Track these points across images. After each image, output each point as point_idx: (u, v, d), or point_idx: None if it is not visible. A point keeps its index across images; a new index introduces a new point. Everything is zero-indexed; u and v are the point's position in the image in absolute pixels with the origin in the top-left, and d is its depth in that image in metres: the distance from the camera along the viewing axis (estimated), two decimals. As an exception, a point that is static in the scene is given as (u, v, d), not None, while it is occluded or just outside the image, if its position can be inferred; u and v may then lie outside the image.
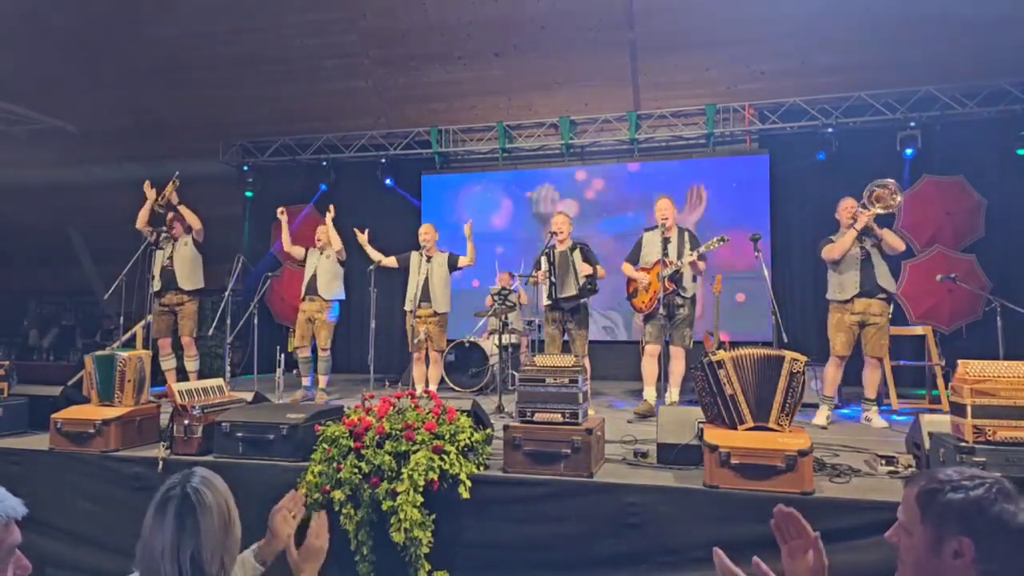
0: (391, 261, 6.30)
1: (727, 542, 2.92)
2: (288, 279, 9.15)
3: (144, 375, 4.27)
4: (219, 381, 4.32)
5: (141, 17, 7.72)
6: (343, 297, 6.42)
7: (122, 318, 6.39)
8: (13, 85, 8.58)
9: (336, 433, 3.46)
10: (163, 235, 6.35)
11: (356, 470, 3.30)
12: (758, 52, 7.42)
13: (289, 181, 9.65)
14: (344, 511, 3.28)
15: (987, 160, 7.49)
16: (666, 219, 5.44)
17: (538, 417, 3.40)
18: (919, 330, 6.35)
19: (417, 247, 6.23)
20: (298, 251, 6.48)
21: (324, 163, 9.33)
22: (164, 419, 4.19)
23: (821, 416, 4.96)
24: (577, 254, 5.55)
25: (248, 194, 9.71)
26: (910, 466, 3.38)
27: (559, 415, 3.37)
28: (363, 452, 3.34)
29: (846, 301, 4.98)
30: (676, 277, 5.32)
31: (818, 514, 2.89)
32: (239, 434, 3.72)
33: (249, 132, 9.44)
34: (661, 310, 5.21)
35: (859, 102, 7.59)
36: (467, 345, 7.10)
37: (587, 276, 5.48)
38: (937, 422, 3.30)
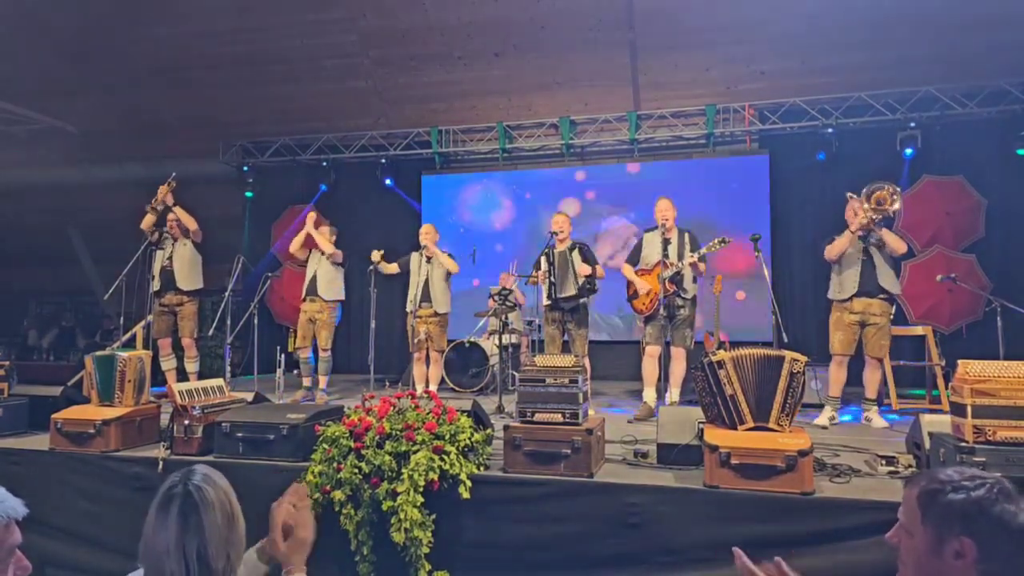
0: (393, 268, 6.29)
1: (727, 542, 2.92)
2: (288, 279, 9.16)
3: (144, 375, 4.27)
4: (219, 381, 4.32)
5: (141, 17, 7.73)
6: (343, 298, 6.43)
7: (122, 318, 6.39)
8: (13, 85, 8.58)
9: (336, 433, 3.46)
10: (163, 235, 6.36)
11: (356, 470, 3.30)
12: (758, 52, 7.42)
13: (289, 181, 9.65)
14: (344, 511, 3.28)
15: (987, 160, 7.49)
16: (666, 220, 5.44)
17: (538, 417, 3.40)
18: (919, 330, 6.35)
19: (416, 247, 6.23)
20: (302, 252, 6.49)
21: (324, 163, 9.33)
22: (164, 419, 4.19)
23: (824, 417, 4.95)
24: (576, 254, 5.55)
25: (248, 194, 9.71)
26: (910, 466, 3.38)
27: (559, 415, 3.37)
28: (363, 452, 3.34)
29: (845, 300, 4.99)
30: (677, 279, 5.32)
31: (818, 514, 2.90)
32: (239, 434, 3.72)
33: (249, 132, 9.44)
34: (662, 311, 5.21)
35: (859, 102, 7.58)
36: (467, 345, 7.10)
37: (586, 276, 5.48)
38: (937, 422, 3.30)
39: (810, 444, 3.03)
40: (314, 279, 6.27)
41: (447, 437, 3.36)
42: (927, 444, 3.23)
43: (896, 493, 2.91)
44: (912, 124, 7.49)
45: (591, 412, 3.84)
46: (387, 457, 3.29)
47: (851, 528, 2.83)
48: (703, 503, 3.03)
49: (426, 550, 3.15)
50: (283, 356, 6.22)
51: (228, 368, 6.50)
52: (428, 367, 6.16)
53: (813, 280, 7.28)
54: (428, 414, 3.49)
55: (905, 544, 1.44)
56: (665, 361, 5.37)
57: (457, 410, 3.57)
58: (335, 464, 3.36)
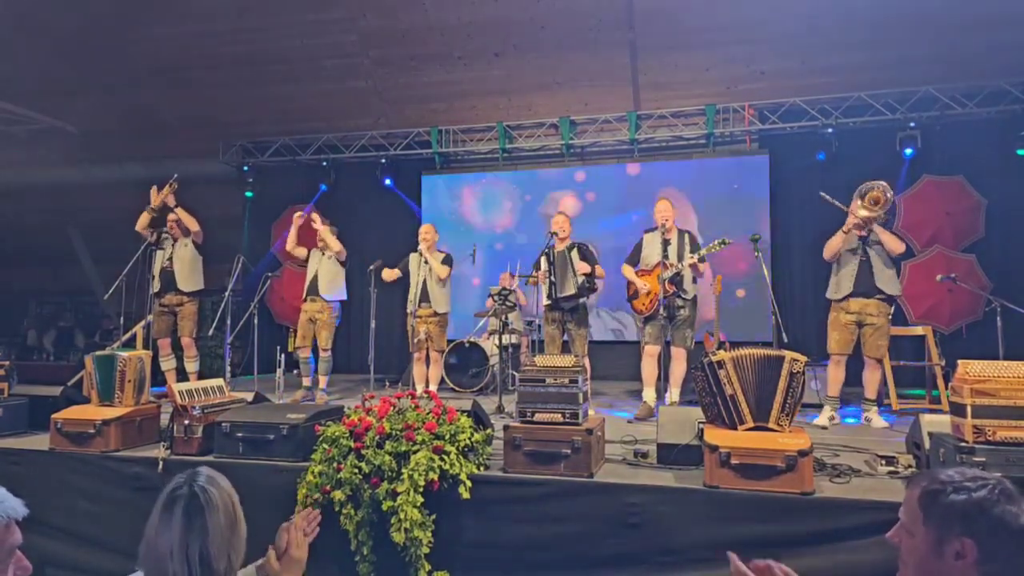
0: (395, 274, 6.27)
1: (727, 542, 2.93)
2: (288, 279, 9.16)
3: (144, 375, 4.28)
4: (219, 381, 4.32)
5: (141, 17, 7.73)
6: (344, 297, 6.43)
7: (122, 318, 6.39)
8: (13, 85, 8.58)
9: (336, 433, 3.46)
10: (163, 236, 6.35)
11: (356, 470, 3.30)
12: (758, 52, 7.42)
13: (289, 181, 9.65)
14: (344, 511, 3.28)
15: (987, 160, 7.49)
16: (666, 220, 5.44)
17: (538, 417, 3.40)
18: (919, 330, 6.35)
19: (416, 248, 6.22)
20: (300, 251, 6.48)
21: (324, 163, 9.32)
22: (164, 419, 4.20)
23: (824, 417, 4.95)
24: (575, 253, 5.56)
25: (248, 194, 9.71)
26: (910, 466, 3.38)
27: (559, 415, 3.37)
28: (363, 452, 3.35)
29: (841, 300, 5.01)
30: (676, 279, 5.32)
31: (818, 514, 2.90)
32: (239, 434, 3.72)
33: (249, 132, 9.44)
34: (662, 311, 5.21)
35: (859, 102, 7.58)
36: (467, 345, 7.10)
37: (585, 275, 5.48)
38: (937, 422, 3.30)
39: (810, 444, 3.03)
40: (315, 279, 6.26)
41: (447, 437, 3.36)
42: (927, 444, 3.23)
43: (896, 493, 2.91)
44: (912, 124, 7.49)
45: (591, 412, 3.84)
46: (387, 457, 3.29)
47: (851, 528, 2.83)
48: (703, 503, 3.03)
49: (426, 550, 3.15)
50: (283, 356, 6.21)
51: (228, 368, 6.50)
52: (428, 367, 6.16)
53: (813, 280, 7.28)
54: (428, 414, 3.49)
55: (906, 544, 1.44)
56: (665, 361, 5.37)
57: (457, 410, 3.57)
58: (335, 464, 3.36)
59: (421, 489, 3.18)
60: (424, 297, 6.04)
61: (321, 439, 3.50)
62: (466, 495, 3.19)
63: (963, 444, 2.88)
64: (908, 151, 7.55)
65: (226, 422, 3.76)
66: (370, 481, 3.28)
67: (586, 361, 5.36)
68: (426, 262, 6.08)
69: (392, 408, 3.55)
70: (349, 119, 9.01)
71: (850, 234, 4.98)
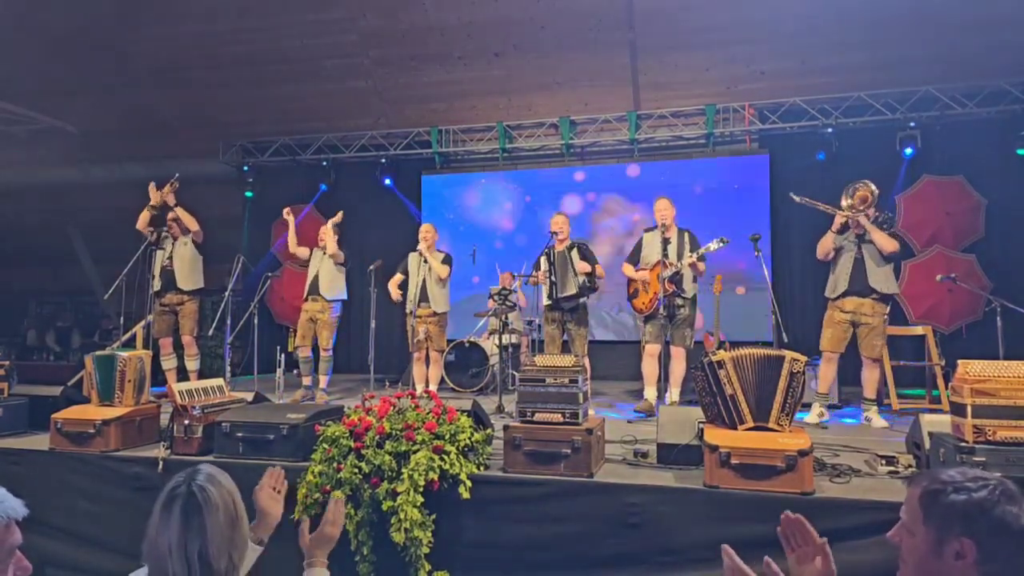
0: (398, 279, 6.25)
1: (727, 542, 2.93)
2: (288, 279, 9.16)
3: (144, 375, 4.27)
4: (219, 381, 4.32)
5: (141, 17, 7.73)
6: (345, 297, 6.43)
7: (122, 318, 6.39)
8: (13, 85, 8.58)
9: (336, 433, 3.46)
10: (163, 235, 6.35)
11: (356, 470, 3.30)
12: (758, 52, 7.42)
13: (289, 181, 9.64)
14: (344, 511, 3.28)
15: (987, 160, 7.48)
16: (665, 219, 5.44)
17: (538, 417, 3.40)
18: (919, 330, 6.35)
19: (414, 248, 6.22)
20: (303, 251, 6.49)
21: (324, 163, 9.33)
22: (164, 419, 4.19)
23: (813, 414, 4.97)
24: (575, 253, 5.56)
25: (248, 194, 9.71)
26: (910, 466, 3.38)
27: (559, 415, 3.37)
28: (363, 452, 3.34)
29: (836, 299, 5.04)
30: (676, 278, 5.32)
31: (818, 514, 2.89)
32: (239, 434, 3.72)
33: (249, 132, 9.44)
34: (661, 310, 5.21)
35: (859, 102, 7.58)
36: (467, 345, 7.10)
37: (586, 275, 5.49)
38: (937, 422, 3.30)
39: (810, 444, 3.03)
40: (316, 279, 6.27)
41: (447, 437, 3.36)
42: (927, 444, 3.23)
43: (896, 493, 2.91)
44: (912, 124, 7.48)
45: (590, 413, 3.84)
46: (387, 457, 3.29)
47: (851, 528, 2.83)
48: (703, 503, 3.03)
49: (426, 550, 3.15)
50: (283, 356, 6.21)
51: (228, 368, 6.50)
52: (428, 367, 6.16)
53: (813, 280, 7.27)
54: (428, 414, 3.49)
55: (906, 543, 1.44)
56: (665, 361, 5.37)
57: (457, 410, 3.57)
58: (335, 464, 3.36)
59: (421, 489, 3.18)
60: (423, 297, 6.03)
61: (321, 439, 3.50)
62: (466, 495, 3.19)
63: (963, 444, 2.88)
64: (908, 151, 7.55)
65: (226, 422, 3.76)
66: (370, 481, 3.28)
67: (586, 361, 5.36)
68: (425, 261, 6.08)
69: (392, 408, 3.54)
70: (349, 119, 9.01)
71: (843, 233, 5.03)
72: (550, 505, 3.23)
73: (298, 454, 3.60)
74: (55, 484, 3.93)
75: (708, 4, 6.95)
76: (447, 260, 6.17)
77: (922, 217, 7.60)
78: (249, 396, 4.52)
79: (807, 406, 5.08)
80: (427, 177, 9.41)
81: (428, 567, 3.16)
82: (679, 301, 5.34)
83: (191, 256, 6.33)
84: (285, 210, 6.57)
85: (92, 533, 3.83)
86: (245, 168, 9.50)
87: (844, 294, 4.97)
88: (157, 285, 6.26)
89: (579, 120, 8.58)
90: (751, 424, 3.26)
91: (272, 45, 7.96)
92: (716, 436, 3.16)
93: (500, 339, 6.04)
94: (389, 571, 3.24)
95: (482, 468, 3.42)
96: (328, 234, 6.32)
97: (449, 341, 6.58)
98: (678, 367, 5.40)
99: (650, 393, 5.39)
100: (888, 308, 5.05)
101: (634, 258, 5.63)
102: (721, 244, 5.29)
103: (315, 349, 6.27)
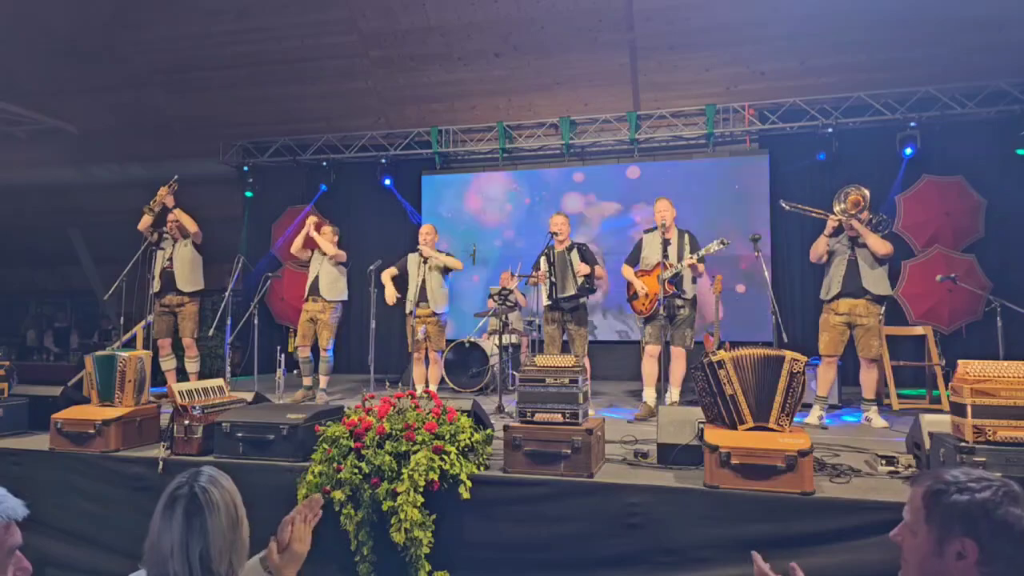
0: (392, 272, 6.27)
1: (727, 542, 2.94)
2: (288, 279, 9.15)
3: (144, 375, 4.28)
4: (219, 381, 4.32)
5: (141, 18, 7.73)
6: (345, 298, 6.43)
7: (122, 319, 6.39)
8: (14, 85, 8.58)
9: (336, 433, 3.46)
10: (164, 236, 6.35)
11: (356, 470, 3.30)
12: (758, 52, 7.42)
13: (289, 181, 9.64)
14: (344, 511, 3.28)
15: (987, 160, 7.48)
16: (665, 220, 5.44)
17: (538, 417, 3.40)
18: (919, 330, 6.35)
19: (414, 248, 6.22)
20: (305, 253, 6.50)
21: (324, 163, 9.32)
22: (164, 419, 4.19)
23: (813, 416, 4.97)
24: (575, 254, 5.56)
25: (248, 194, 9.70)
26: (910, 466, 3.38)
27: (559, 415, 3.37)
28: (363, 452, 3.34)
29: (830, 301, 5.06)
30: (676, 280, 5.32)
31: (818, 514, 2.90)
32: (239, 434, 3.73)
33: (249, 132, 9.44)
34: (661, 311, 5.21)
35: (859, 102, 7.58)
36: (467, 345, 7.10)
37: (585, 275, 5.49)
38: (937, 422, 3.30)
39: (810, 444, 3.03)
40: (316, 279, 6.27)
41: (447, 437, 3.36)
42: (927, 444, 3.23)
43: (896, 493, 2.91)
44: (912, 124, 7.48)
45: (590, 413, 3.84)
46: (387, 457, 3.29)
47: (851, 528, 2.83)
48: (703, 503, 3.03)
49: (426, 550, 3.15)
50: (283, 356, 6.21)
51: (228, 368, 6.50)
52: (428, 367, 6.16)
53: (813, 280, 7.25)
54: (428, 414, 3.49)
55: (908, 543, 1.44)
56: (665, 361, 5.37)
57: (457, 410, 3.57)
58: (335, 464, 3.36)
59: (421, 489, 3.18)
60: (422, 297, 6.04)
61: (321, 439, 3.50)
62: (466, 495, 3.19)
63: (963, 444, 2.88)
64: (908, 151, 7.54)
65: (226, 422, 3.76)
66: (370, 481, 3.28)
67: (586, 361, 5.37)
68: (425, 262, 6.08)
69: (392, 408, 3.54)
70: (349, 119, 9.01)
71: (836, 236, 5.07)
72: (550, 505, 3.23)
73: (298, 454, 3.60)
74: (55, 484, 3.93)
75: (708, 4, 6.95)
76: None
77: (922, 217, 7.60)
78: (249, 396, 4.52)
79: (807, 407, 5.09)
80: (427, 177, 9.40)
81: (428, 567, 3.16)
82: (679, 302, 5.34)
83: (191, 257, 6.33)
84: (310, 219, 6.51)
85: (92, 533, 3.83)
86: (245, 168, 9.49)
87: (838, 296, 5.00)
88: (157, 286, 6.26)
89: (579, 120, 8.58)
90: (751, 424, 3.26)
91: (272, 45, 7.96)
92: (716, 436, 3.16)
93: (500, 339, 6.04)
94: (389, 571, 3.24)
95: (482, 468, 3.43)
96: (324, 241, 6.30)
97: (449, 341, 6.58)
98: (678, 367, 5.40)
99: (649, 394, 5.39)
100: (883, 308, 5.06)
101: (633, 259, 5.63)
102: (721, 245, 5.29)
103: (315, 349, 6.27)
